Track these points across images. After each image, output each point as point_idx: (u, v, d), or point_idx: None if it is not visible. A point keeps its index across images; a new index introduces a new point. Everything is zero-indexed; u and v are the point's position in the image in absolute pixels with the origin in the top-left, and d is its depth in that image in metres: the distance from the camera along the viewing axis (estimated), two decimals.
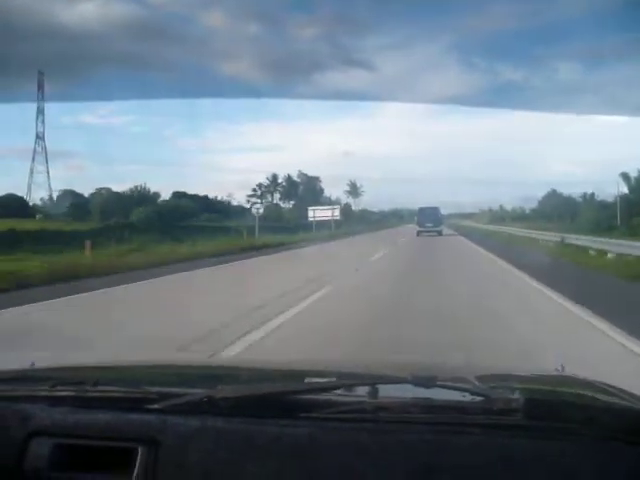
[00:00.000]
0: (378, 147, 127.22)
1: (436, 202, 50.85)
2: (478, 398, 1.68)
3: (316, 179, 78.28)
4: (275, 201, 77.73)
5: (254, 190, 77.06)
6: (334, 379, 2.18)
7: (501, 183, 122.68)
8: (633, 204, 48.24)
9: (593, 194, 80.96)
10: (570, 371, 2.31)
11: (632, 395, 1.84)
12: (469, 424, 1.54)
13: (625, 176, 67.13)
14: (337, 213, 55.58)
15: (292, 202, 76.04)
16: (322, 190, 78.95)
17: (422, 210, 47.40)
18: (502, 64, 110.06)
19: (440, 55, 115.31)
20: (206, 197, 65.75)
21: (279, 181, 77.86)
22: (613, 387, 1.95)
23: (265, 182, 77.75)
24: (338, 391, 1.81)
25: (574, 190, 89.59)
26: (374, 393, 1.76)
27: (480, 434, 1.50)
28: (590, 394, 1.88)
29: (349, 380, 2.01)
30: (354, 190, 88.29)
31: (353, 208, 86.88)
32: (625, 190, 57.95)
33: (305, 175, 77.79)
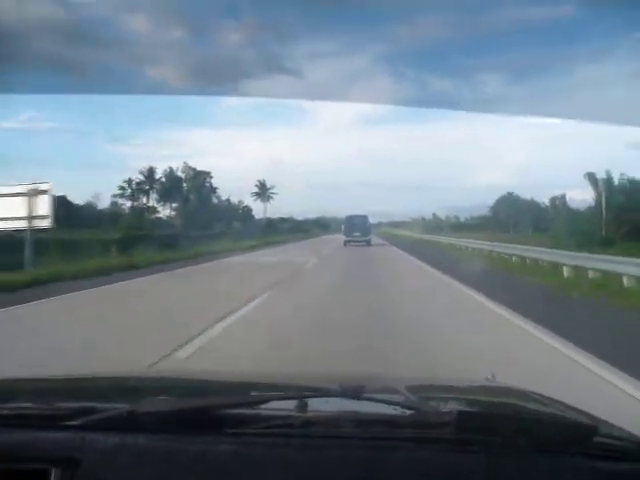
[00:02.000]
0: (307, 155, 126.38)
1: (366, 211, 49.99)
2: (409, 411, 1.71)
3: (206, 174, 61.26)
4: (151, 202, 60.62)
5: (122, 188, 59.96)
6: (262, 392, 2.15)
7: (431, 191, 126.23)
8: (621, 210, 39.24)
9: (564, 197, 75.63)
10: (501, 380, 2.39)
11: (563, 404, 1.99)
12: (401, 438, 1.52)
13: (591, 176, 62.05)
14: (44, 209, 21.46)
15: (174, 204, 59.30)
16: (214, 189, 63.30)
17: (350, 218, 45.57)
18: (431, 74, 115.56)
19: (369, 64, 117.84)
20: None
21: (157, 177, 60.40)
22: (544, 396, 2.09)
23: (138, 178, 60.30)
24: (265, 405, 1.79)
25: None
26: (302, 407, 1.71)
27: (412, 449, 1.49)
28: (524, 404, 2.00)
29: (277, 393, 2.03)
30: (263, 191, 77.59)
31: (262, 216, 75.88)
32: (591, 195, 56.23)
33: (192, 169, 60.45)
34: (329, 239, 52.90)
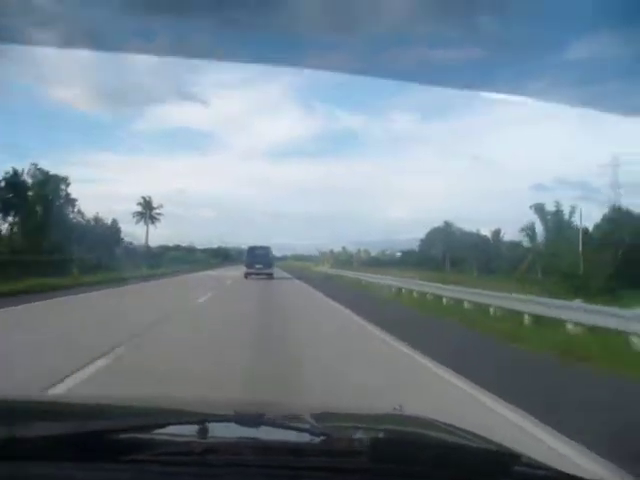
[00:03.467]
0: (212, 184, 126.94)
1: (272, 243, 51.30)
2: (317, 438, 1.60)
3: (61, 180, 45.35)
4: None
5: None
6: (160, 416, 1.93)
7: (341, 225, 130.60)
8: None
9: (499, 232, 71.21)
10: (409, 410, 2.38)
11: (475, 434, 1.96)
12: (309, 467, 1.44)
13: (539, 208, 61.45)
14: None
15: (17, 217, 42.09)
16: (71, 200, 47.54)
17: (252, 250, 43.94)
18: (342, 110, 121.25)
19: (280, 97, 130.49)
20: None
21: None
22: (455, 426, 2.04)
23: None
24: (162, 430, 1.67)
25: (410, 236, 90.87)
26: (202, 432, 1.59)
27: (323, 479, 1.42)
28: (435, 434, 1.94)
29: (176, 418, 1.87)
30: (147, 210, 64.72)
31: (156, 241, 63.21)
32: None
33: (43, 172, 43.75)
34: (223, 275, 46.23)
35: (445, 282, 26.54)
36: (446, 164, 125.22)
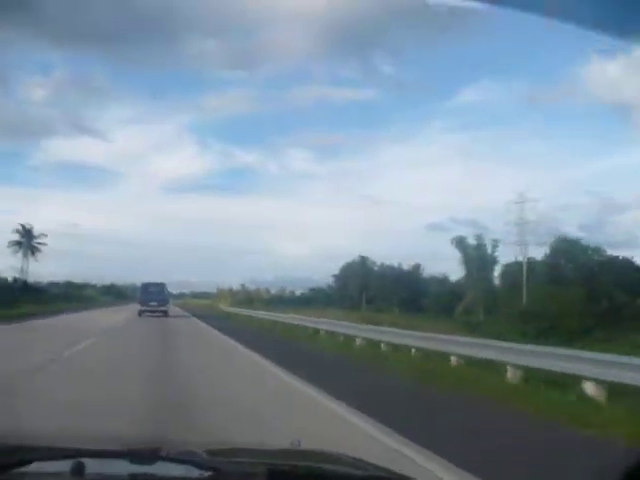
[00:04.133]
0: (108, 220, 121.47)
1: (168, 280, 49.77)
2: (208, 472, 1.62)
3: None
4: None
5: None
6: (35, 452, 1.79)
7: (237, 264, 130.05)
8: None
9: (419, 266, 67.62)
10: (308, 444, 2.41)
11: (374, 466, 2.03)
12: None
13: (460, 242, 59.93)
14: None
15: None
16: None
17: (146, 287, 42.31)
18: (239, 147, 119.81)
19: (176, 134, 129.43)
20: None
21: None
22: (354, 458, 2.10)
23: None
24: (39, 464, 1.65)
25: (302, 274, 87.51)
26: (78, 469, 1.56)
27: None
28: (331, 467, 1.92)
29: (51, 453, 1.76)
30: (27, 239, 56.89)
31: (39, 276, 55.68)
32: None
33: None
34: (110, 315, 40.68)
35: (365, 322, 24.51)
36: (341, 202, 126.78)
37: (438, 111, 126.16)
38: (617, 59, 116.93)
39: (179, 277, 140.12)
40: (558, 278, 37.54)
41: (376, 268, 72.24)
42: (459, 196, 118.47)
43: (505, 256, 62.01)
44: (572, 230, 58.63)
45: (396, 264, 70.07)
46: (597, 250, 41.81)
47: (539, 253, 59.95)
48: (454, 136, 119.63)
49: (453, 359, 13.64)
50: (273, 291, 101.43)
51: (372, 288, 68.71)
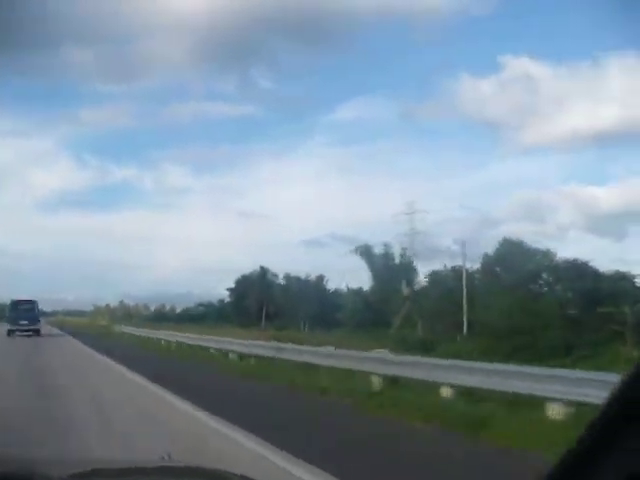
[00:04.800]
0: None
1: (41, 298, 47.19)
2: None
3: None
4: None
5: None
6: None
7: (114, 280, 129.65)
8: None
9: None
10: (177, 458, 2.45)
11: (241, 476, 2.09)
12: None
13: (365, 251, 57.99)
14: None
15: None
16: None
17: (15, 304, 40.49)
18: (115, 163, 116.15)
19: (52, 147, 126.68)
20: None
21: None
22: (222, 471, 2.16)
23: None
24: None
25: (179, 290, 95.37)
26: None
27: None
28: None
29: None
30: None
31: None
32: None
33: None
34: None
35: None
36: (220, 217, 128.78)
37: (317, 126, 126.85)
38: (488, 78, 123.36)
39: (53, 294, 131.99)
40: (497, 286, 34.39)
41: (279, 281, 67.20)
42: (339, 212, 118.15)
43: (408, 267, 59.32)
44: (448, 243, 59.16)
45: (302, 275, 65.15)
46: (547, 254, 38.70)
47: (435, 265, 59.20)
48: (333, 151, 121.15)
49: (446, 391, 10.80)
50: (152, 307, 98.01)
51: (275, 302, 63.54)
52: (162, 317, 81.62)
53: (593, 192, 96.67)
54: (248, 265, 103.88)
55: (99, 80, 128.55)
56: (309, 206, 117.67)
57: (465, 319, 36.39)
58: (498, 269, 40.10)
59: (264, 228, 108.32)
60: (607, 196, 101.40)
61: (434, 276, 44.61)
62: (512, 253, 39.22)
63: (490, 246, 45.87)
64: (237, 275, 69.82)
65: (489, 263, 40.71)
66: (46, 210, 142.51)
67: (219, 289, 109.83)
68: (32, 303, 41.11)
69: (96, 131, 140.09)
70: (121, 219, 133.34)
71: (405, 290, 47.96)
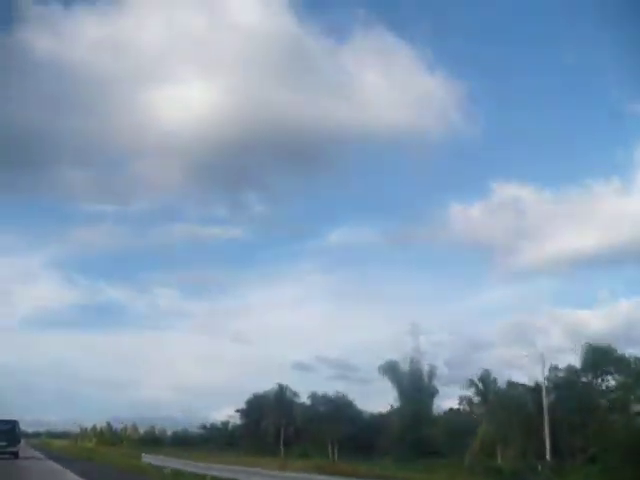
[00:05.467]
0: None
1: (22, 419, 45.13)
2: None
3: None
4: None
5: None
6: None
7: (101, 400, 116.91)
8: None
9: None
10: None
11: None
12: None
13: (392, 368, 54.97)
14: None
15: None
16: None
17: None
18: (105, 284, 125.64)
19: (41, 266, 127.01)
20: None
21: None
22: None
23: None
24: None
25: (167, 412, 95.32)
26: None
27: None
28: None
29: None
30: None
31: None
32: None
33: None
34: None
35: None
36: (210, 339, 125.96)
37: (307, 251, 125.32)
38: (477, 202, 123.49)
39: (35, 415, 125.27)
40: (587, 401, 28.61)
41: (300, 400, 59.67)
42: (326, 336, 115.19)
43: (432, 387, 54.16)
44: (439, 365, 57.22)
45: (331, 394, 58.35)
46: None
47: None
48: (322, 276, 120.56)
49: None
50: (142, 430, 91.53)
51: (295, 425, 56.03)
52: (155, 441, 75.09)
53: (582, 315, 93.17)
54: (240, 386, 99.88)
55: (91, 200, 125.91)
56: (297, 329, 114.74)
57: (548, 443, 30.37)
58: (584, 379, 34.02)
59: (253, 351, 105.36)
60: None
61: (502, 394, 38.23)
62: (603, 360, 33.40)
63: (476, 369, 44.71)
64: (234, 397, 64.70)
65: (569, 374, 34.56)
66: (32, 328, 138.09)
67: (212, 412, 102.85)
68: (12, 423, 38.51)
69: (87, 251, 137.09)
70: (109, 339, 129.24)
71: (477, 408, 41.93)
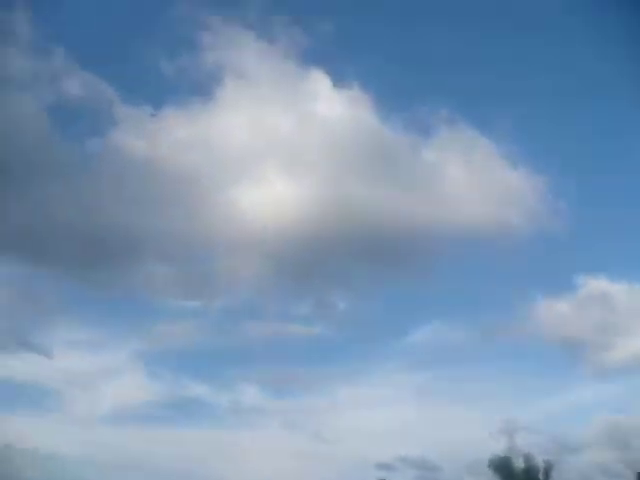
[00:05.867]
0: (51, 444, 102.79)
1: None
2: None
3: None
4: None
5: None
6: None
7: None
8: None
9: None
10: None
11: None
12: None
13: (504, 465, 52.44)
14: None
15: None
16: None
17: None
18: (188, 380, 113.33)
19: (125, 361, 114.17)
20: None
21: None
22: None
23: None
24: None
25: None
26: None
27: None
28: None
29: None
30: None
31: None
32: None
33: None
34: None
35: None
36: (290, 441, 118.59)
37: (391, 348, 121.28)
38: (563, 298, 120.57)
39: None
40: None
41: None
42: (410, 436, 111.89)
43: None
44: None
45: None
46: None
47: None
48: (407, 376, 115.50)
49: None
50: None
51: None
52: None
53: None
54: None
55: (174, 296, 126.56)
56: (380, 429, 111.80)
57: None
58: None
59: (335, 451, 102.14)
60: None
61: None
62: None
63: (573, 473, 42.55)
64: None
65: None
66: (116, 422, 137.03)
67: None
68: None
69: (171, 346, 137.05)
70: (190, 435, 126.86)
71: None
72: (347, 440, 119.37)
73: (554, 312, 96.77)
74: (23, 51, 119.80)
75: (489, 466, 50.67)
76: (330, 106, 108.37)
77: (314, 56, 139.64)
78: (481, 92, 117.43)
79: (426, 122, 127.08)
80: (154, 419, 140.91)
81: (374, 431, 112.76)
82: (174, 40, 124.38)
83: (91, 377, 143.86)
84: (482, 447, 52.51)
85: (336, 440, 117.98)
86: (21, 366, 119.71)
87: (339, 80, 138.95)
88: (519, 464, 50.66)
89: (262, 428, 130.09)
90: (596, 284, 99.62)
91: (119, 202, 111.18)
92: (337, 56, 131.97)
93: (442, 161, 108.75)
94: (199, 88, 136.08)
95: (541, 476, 50.69)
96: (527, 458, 51.00)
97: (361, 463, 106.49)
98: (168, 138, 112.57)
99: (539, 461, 51.30)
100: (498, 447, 52.69)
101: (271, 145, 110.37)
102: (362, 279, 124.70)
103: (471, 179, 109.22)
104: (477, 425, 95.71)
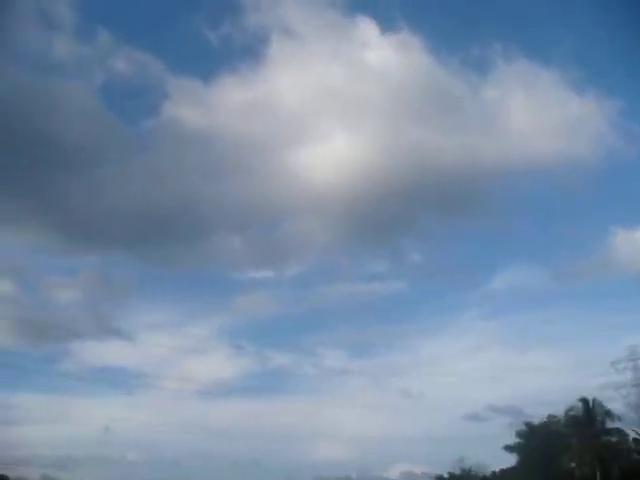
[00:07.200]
0: (140, 425, 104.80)
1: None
2: None
3: None
4: None
5: None
6: None
7: (268, 468, 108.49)
8: None
9: None
10: None
11: None
12: None
13: None
14: None
15: None
16: None
17: None
18: (271, 349, 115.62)
19: (209, 337, 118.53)
20: None
21: None
22: None
23: None
24: None
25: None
26: None
27: None
28: None
29: None
30: None
31: None
32: None
33: None
34: None
35: None
36: (377, 399, 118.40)
37: (471, 299, 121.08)
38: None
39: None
40: None
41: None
42: (496, 384, 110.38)
43: None
44: (618, 408, 54.74)
45: None
46: None
47: None
48: (485, 323, 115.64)
49: None
50: None
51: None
52: None
53: None
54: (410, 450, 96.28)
55: (250, 266, 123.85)
56: (464, 380, 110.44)
57: None
58: None
59: (421, 406, 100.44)
60: None
61: None
62: None
63: None
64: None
65: None
66: (206, 399, 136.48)
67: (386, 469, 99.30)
68: None
69: (251, 318, 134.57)
70: (281, 405, 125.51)
71: None
72: (433, 393, 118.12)
73: (636, 242, 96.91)
74: (70, 36, 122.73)
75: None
76: (381, 53, 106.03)
77: (358, 3, 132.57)
78: (534, 18, 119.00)
79: (482, 58, 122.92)
80: (241, 392, 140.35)
81: (459, 382, 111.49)
82: (216, 6, 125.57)
83: (175, 356, 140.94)
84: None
85: (422, 394, 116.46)
86: (107, 353, 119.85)
87: (387, 25, 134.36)
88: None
89: (349, 389, 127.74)
90: None
91: (180, 176, 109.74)
92: (381, 0, 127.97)
93: (503, 97, 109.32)
94: (247, 52, 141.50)
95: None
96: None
97: (449, 415, 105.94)
98: (222, 105, 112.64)
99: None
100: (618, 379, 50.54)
101: (326, 101, 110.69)
102: (434, 229, 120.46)
103: (535, 112, 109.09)
104: (566, 368, 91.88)
